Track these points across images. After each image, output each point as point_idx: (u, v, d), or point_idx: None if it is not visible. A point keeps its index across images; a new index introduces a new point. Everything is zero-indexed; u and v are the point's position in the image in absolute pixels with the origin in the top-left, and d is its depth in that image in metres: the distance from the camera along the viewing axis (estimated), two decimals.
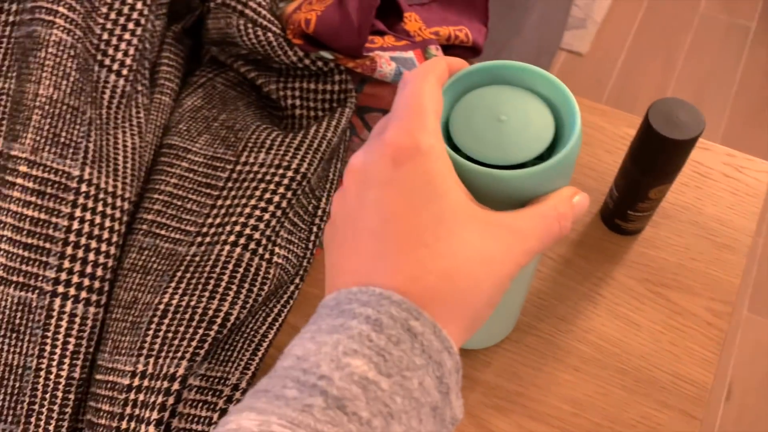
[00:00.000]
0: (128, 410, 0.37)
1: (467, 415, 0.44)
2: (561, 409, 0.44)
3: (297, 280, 0.45)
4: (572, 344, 0.46)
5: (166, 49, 0.51)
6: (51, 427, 0.39)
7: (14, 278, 0.38)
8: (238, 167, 0.45)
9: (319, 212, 0.48)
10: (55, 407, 0.39)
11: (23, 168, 0.38)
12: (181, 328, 0.38)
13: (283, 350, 0.23)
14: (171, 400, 0.37)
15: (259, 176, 0.44)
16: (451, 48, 0.60)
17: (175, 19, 0.54)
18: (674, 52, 1.64)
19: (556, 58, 1.63)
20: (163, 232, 0.44)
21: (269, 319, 0.42)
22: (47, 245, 0.39)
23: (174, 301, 0.39)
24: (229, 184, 0.45)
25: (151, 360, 0.38)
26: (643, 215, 0.48)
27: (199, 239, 0.42)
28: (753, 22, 1.68)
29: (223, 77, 0.54)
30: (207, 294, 0.39)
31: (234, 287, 0.40)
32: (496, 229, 0.24)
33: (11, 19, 0.43)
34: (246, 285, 0.40)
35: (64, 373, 0.39)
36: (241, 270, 0.40)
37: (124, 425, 0.37)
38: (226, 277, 0.40)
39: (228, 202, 0.44)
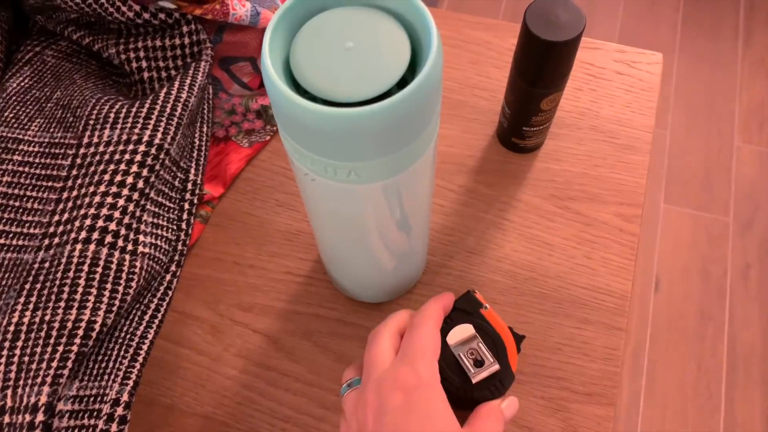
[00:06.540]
0: None
1: None
2: None
3: (173, 267, 0.40)
4: (486, 276, 0.44)
5: None
6: None
7: None
8: (82, 150, 0.39)
9: (189, 185, 0.42)
10: None
11: None
12: (38, 349, 0.33)
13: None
14: None
15: (107, 157, 0.38)
16: None
17: None
18: None
19: None
20: (2, 241, 0.37)
21: (146, 317, 0.37)
22: None
23: (25, 319, 0.34)
24: (74, 172, 0.39)
25: (9, 392, 0.32)
26: (540, 129, 0.45)
27: (46, 242, 0.36)
28: None
29: (53, 49, 0.46)
30: (63, 304, 0.34)
31: (93, 291, 0.34)
32: None
33: None
34: (108, 286, 0.35)
35: None
36: (99, 269, 0.35)
37: None
38: (82, 281, 0.34)
39: (75, 193, 0.38)
